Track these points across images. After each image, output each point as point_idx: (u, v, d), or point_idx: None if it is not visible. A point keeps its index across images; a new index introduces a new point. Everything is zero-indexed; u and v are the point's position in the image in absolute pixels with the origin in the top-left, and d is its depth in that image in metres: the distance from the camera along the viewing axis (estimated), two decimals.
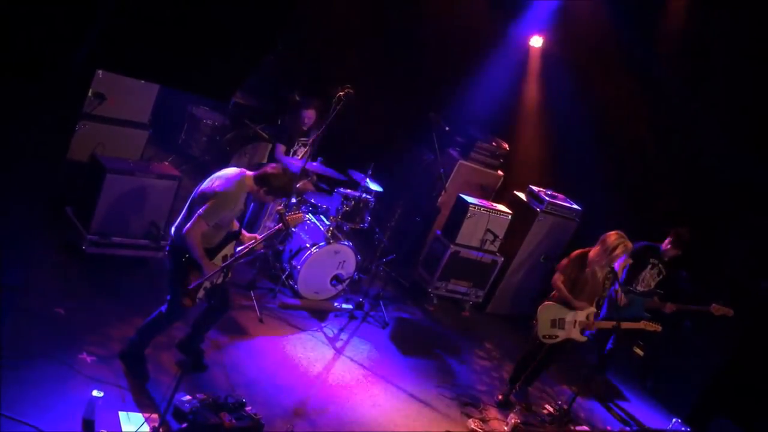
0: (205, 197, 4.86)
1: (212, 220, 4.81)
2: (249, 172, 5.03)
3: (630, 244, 6.26)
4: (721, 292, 7.63)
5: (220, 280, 4.97)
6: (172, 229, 5.02)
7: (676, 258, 7.35)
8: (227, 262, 4.86)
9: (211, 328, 5.43)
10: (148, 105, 6.93)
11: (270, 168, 5.02)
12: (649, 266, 7.30)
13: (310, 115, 7.44)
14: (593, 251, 6.28)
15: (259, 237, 5.19)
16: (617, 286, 6.56)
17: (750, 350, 7.66)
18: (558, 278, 6.36)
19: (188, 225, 4.78)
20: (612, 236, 6.21)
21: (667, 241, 7.28)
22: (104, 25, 2.92)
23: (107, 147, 6.52)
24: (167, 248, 5.19)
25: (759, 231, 7.86)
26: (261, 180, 4.95)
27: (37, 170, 3.39)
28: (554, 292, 6.42)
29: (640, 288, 7.25)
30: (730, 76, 8.14)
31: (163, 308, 5.04)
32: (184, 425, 4.52)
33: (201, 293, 4.91)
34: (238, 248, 5.12)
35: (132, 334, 5.14)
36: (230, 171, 5.03)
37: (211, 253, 4.96)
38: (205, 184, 4.96)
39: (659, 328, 6.65)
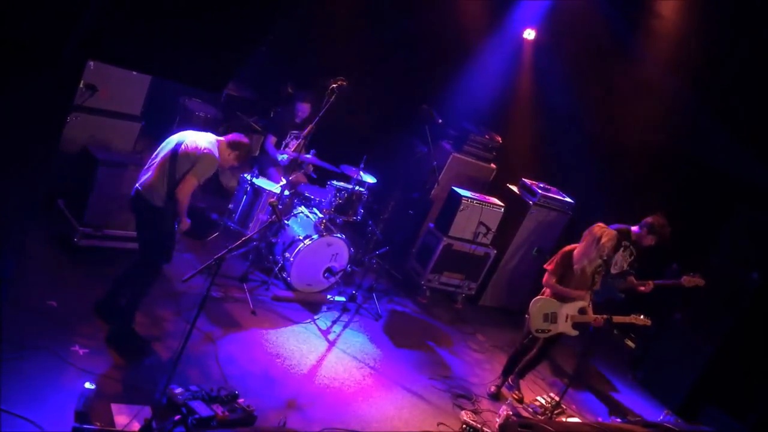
0: (191, 158, 5.21)
1: (203, 178, 5.28)
2: (222, 138, 5.54)
3: (615, 234, 6.28)
4: (712, 283, 7.67)
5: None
6: (138, 186, 5.23)
7: (653, 247, 7.17)
8: (222, 253, 4.84)
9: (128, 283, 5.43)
10: (140, 97, 6.91)
11: (237, 135, 5.63)
12: (622, 249, 7.20)
13: (305, 109, 7.44)
14: (579, 247, 6.29)
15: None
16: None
17: (740, 341, 7.70)
18: (549, 278, 6.35)
19: (181, 185, 5.16)
20: (596, 230, 6.22)
21: (638, 228, 7.13)
22: (96, 14, 2.90)
23: (99, 139, 6.50)
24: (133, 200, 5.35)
25: (751, 223, 7.88)
26: (233, 144, 5.52)
27: (28, 162, 3.37)
28: (545, 289, 6.43)
29: (613, 271, 7.19)
30: (723, 69, 8.14)
31: (139, 269, 5.32)
32: (177, 417, 4.52)
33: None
34: None
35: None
36: (209, 137, 5.45)
37: None
38: (185, 145, 5.25)
39: (649, 322, 6.66)
